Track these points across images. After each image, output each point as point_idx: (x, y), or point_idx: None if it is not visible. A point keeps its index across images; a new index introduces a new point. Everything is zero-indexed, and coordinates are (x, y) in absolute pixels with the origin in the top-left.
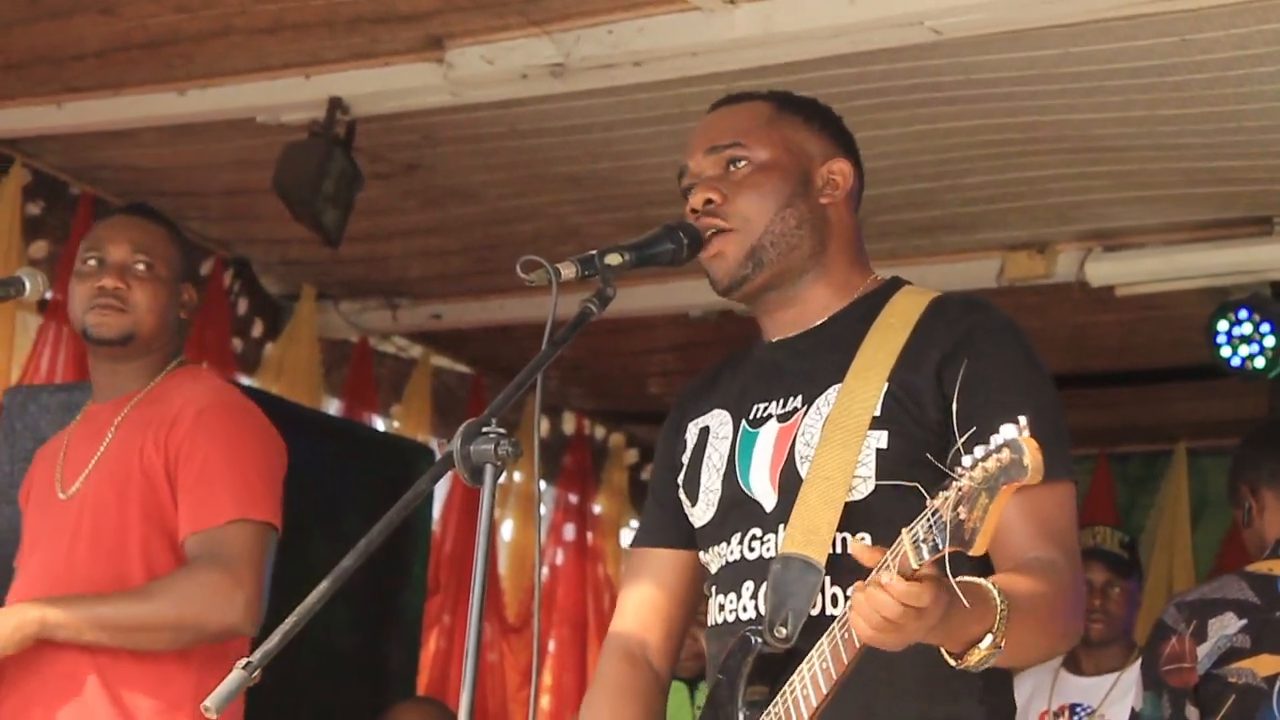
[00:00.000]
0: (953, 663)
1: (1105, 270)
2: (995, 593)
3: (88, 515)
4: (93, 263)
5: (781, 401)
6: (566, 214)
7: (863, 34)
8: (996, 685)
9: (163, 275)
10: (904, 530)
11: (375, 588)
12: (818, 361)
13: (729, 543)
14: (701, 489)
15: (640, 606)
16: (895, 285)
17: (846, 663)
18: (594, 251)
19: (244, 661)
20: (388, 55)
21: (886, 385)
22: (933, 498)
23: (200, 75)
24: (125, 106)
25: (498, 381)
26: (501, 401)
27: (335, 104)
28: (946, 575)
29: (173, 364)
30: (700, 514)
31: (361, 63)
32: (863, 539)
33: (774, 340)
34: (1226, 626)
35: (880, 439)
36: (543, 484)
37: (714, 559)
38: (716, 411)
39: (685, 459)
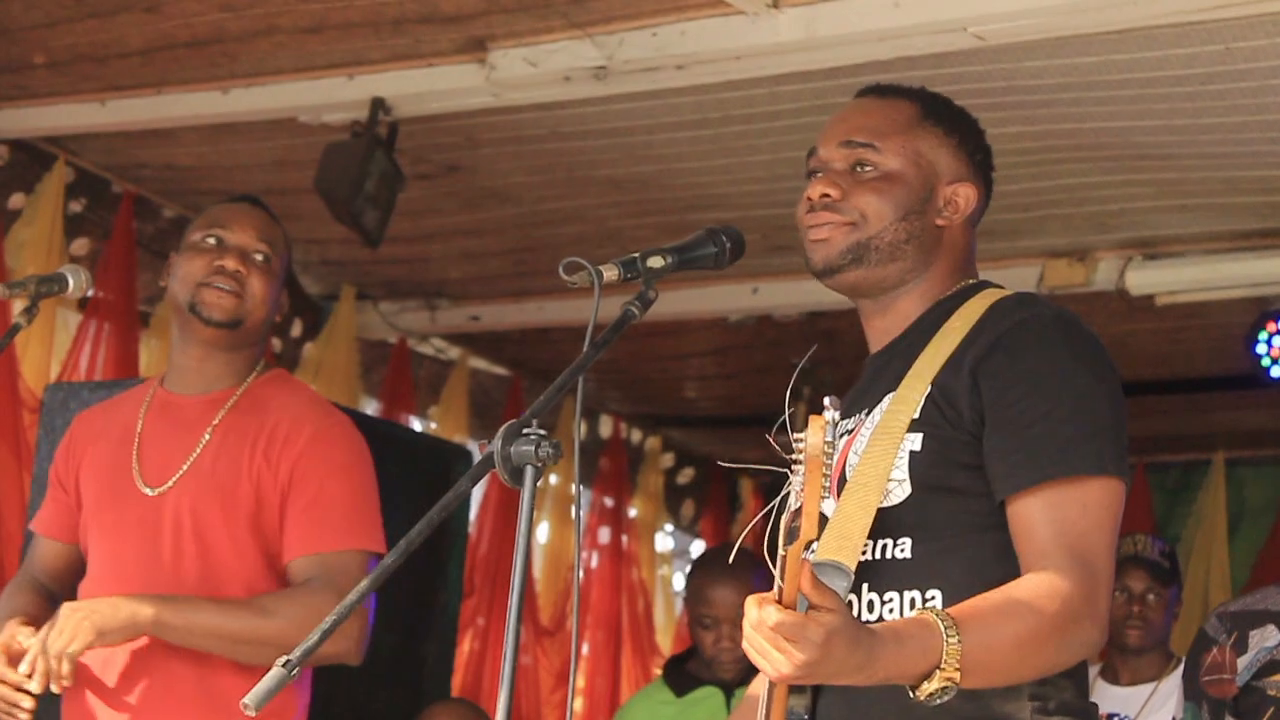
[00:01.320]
0: (910, 694)
1: (1145, 279)
2: (941, 626)
3: (187, 519)
4: (212, 241)
5: (855, 416)
6: (607, 217)
7: (906, 39)
8: (1053, 682)
9: (276, 271)
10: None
11: (412, 589)
12: (885, 371)
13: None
14: None
15: None
16: (978, 288)
17: (769, 690)
18: (636, 254)
19: (283, 660)
20: (431, 56)
21: (929, 389)
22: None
23: (243, 74)
24: (168, 105)
25: (535, 384)
26: (543, 403)
27: (378, 104)
28: (846, 616)
29: (260, 366)
30: None
31: (404, 63)
32: (901, 545)
33: (871, 354)
34: (1267, 639)
35: (915, 442)
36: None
37: None
38: None
39: None
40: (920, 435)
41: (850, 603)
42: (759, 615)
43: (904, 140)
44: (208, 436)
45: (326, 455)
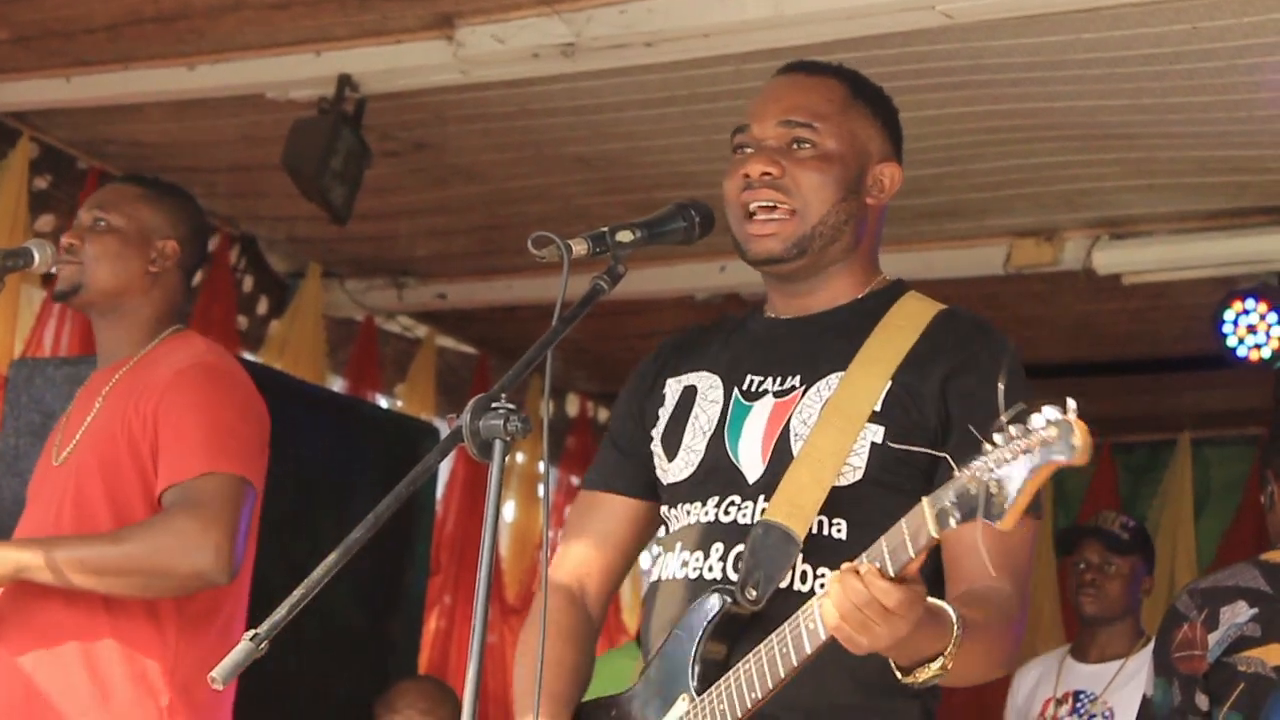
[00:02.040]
0: (900, 677)
1: (1112, 258)
2: (954, 616)
3: (73, 481)
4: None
5: (779, 379)
6: (574, 195)
7: (873, 17)
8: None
9: (117, 226)
10: (924, 499)
11: (379, 566)
12: (821, 346)
13: (704, 504)
14: (683, 447)
15: (585, 550)
16: (902, 288)
17: (810, 652)
18: (605, 229)
19: (251, 633)
20: (398, 33)
21: (890, 383)
22: (959, 471)
23: (210, 50)
24: (134, 81)
25: (502, 362)
26: (511, 377)
27: (345, 81)
28: (922, 584)
29: (168, 330)
30: (676, 470)
31: (372, 40)
32: (838, 525)
33: (778, 317)
34: (1238, 615)
35: (877, 433)
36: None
37: (680, 515)
38: (705, 374)
39: (663, 413)
40: (883, 429)
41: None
42: (870, 593)
43: (840, 120)
44: (100, 402)
45: (187, 389)
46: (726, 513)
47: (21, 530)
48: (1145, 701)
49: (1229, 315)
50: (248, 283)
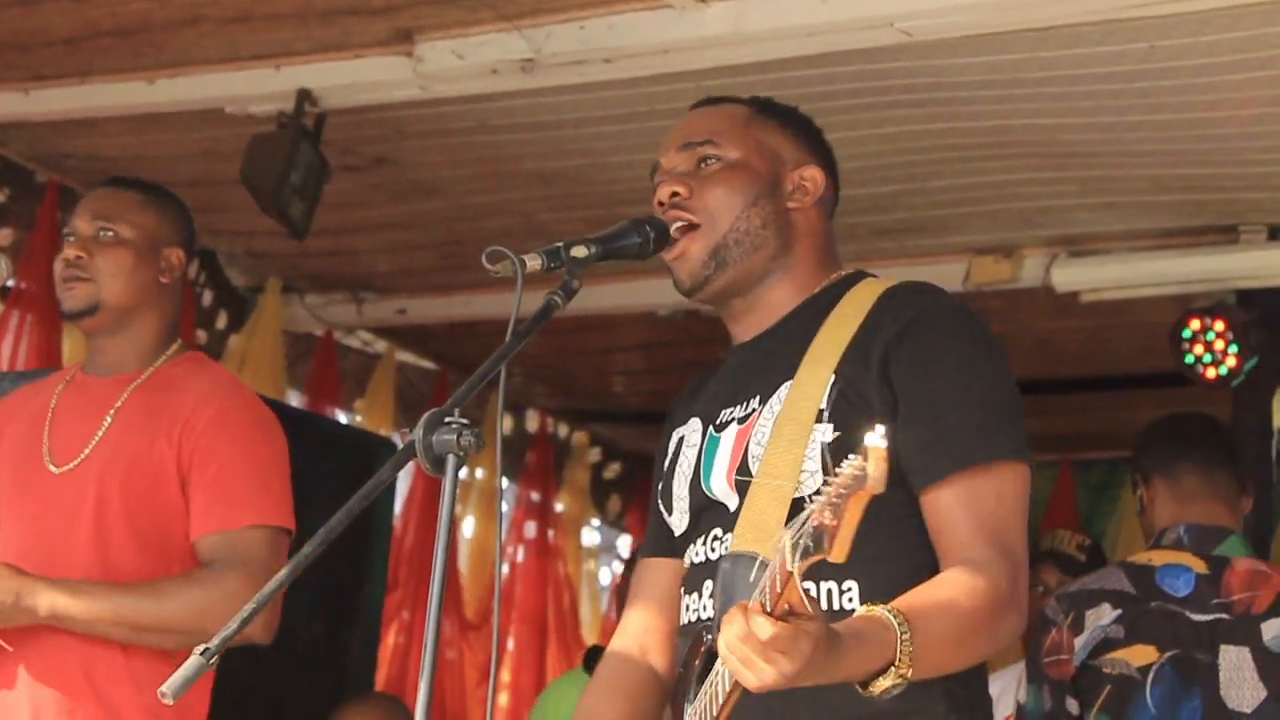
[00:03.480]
0: (861, 692)
1: (1071, 276)
2: (895, 624)
3: (90, 499)
4: (65, 241)
5: (744, 404)
6: (534, 211)
7: (834, 35)
8: (962, 674)
9: (127, 238)
10: (784, 531)
11: (337, 580)
12: (774, 359)
13: (696, 544)
14: (674, 497)
15: (642, 615)
16: (857, 278)
17: (729, 688)
18: (560, 244)
19: (202, 648)
20: (358, 48)
21: (833, 378)
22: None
23: (169, 64)
24: (93, 95)
25: (462, 378)
26: (465, 392)
27: (304, 96)
28: (820, 619)
29: (174, 347)
30: (677, 523)
31: (331, 55)
32: None
33: (739, 344)
34: (1102, 617)
35: (826, 433)
36: (504, 481)
37: (687, 561)
38: (693, 420)
39: (664, 470)
40: (830, 426)
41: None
42: (748, 627)
43: (743, 133)
44: (112, 417)
45: (230, 432)
46: (713, 549)
47: (19, 536)
48: (1018, 708)
49: (1187, 333)
50: (207, 297)
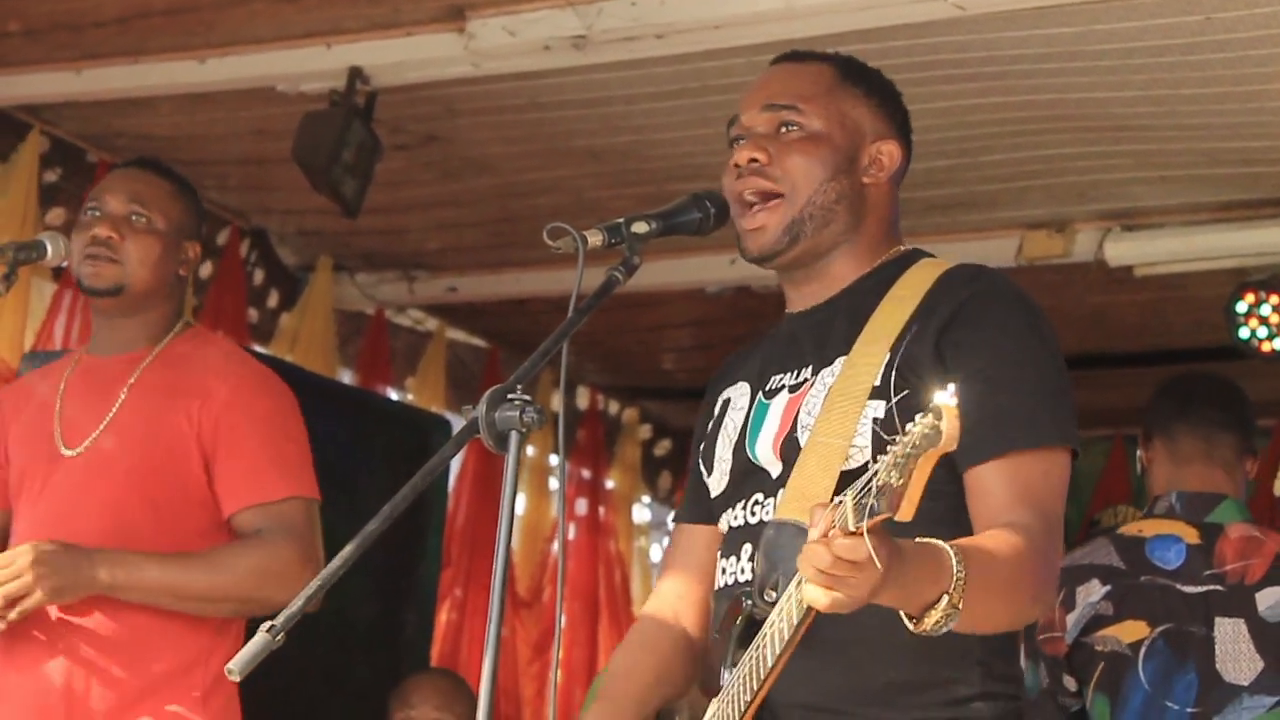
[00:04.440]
0: (910, 626)
1: (1124, 250)
2: (951, 554)
3: (104, 477)
4: (90, 214)
5: (795, 373)
6: (585, 188)
7: (886, 9)
8: (997, 649)
9: (159, 228)
10: (847, 491)
11: (392, 559)
12: (829, 331)
13: (735, 508)
14: (716, 459)
15: (676, 581)
16: (915, 257)
17: (797, 623)
18: (620, 220)
19: (268, 625)
20: (409, 25)
21: (888, 356)
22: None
23: (220, 43)
24: (144, 74)
25: (513, 355)
26: (527, 369)
27: (355, 74)
28: (886, 535)
29: (179, 325)
30: (715, 483)
31: (383, 33)
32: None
33: (795, 312)
34: (1092, 594)
35: (878, 409)
36: (556, 458)
37: (724, 524)
38: (740, 384)
39: (708, 431)
40: (883, 404)
41: None
42: (828, 554)
43: (827, 101)
44: (124, 395)
45: (250, 406)
46: (753, 513)
47: (38, 520)
48: None
49: (1241, 307)
50: (258, 276)
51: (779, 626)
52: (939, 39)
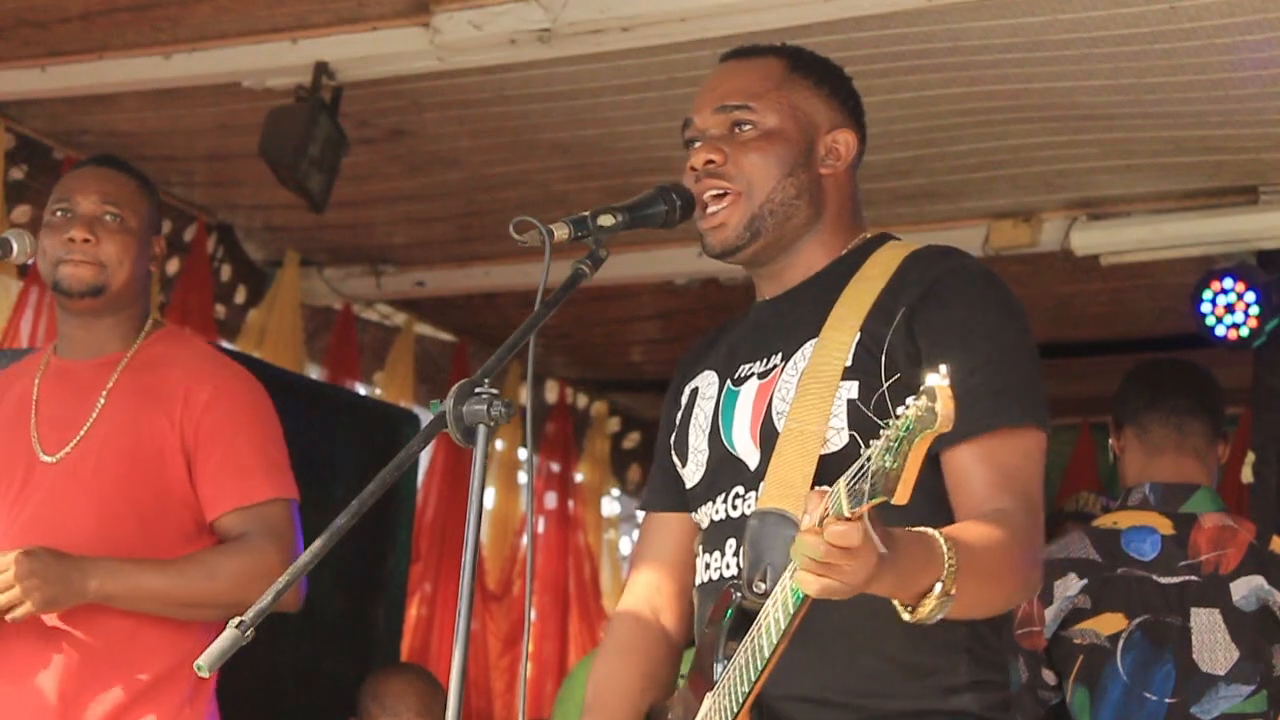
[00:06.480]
0: (905, 615)
1: (1090, 239)
2: (942, 542)
3: (89, 483)
4: (60, 214)
5: (765, 359)
6: (552, 181)
7: (851, 0)
8: (983, 638)
9: (133, 227)
10: (840, 479)
11: (362, 553)
12: (797, 317)
13: (715, 502)
14: (690, 450)
15: (650, 573)
16: (882, 240)
17: (793, 611)
18: (586, 213)
19: (237, 621)
20: (375, 20)
21: (858, 336)
22: (864, 451)
23: (185, 39)
24: (109, 70)
25: (481, 349)
26: (494, 362)
27: (321, 69)
28: (879, 522)
29: (149, 324)
30: (691, 474)
31: (348, 27)
32: None
33: (762, 300)
34: (1069, 588)
35: (851, 389)
36: (525, 452)
37: (703, 518)
38: (706, 373)
39: (677, 420)
40: (856, 383)
41: None
42: (822, 541)
43: (778, 96)
44: (103, 401)
45: (232, 409)
46: (734, 507)
47: (20, 528)
48: None
49: (1207, 295)
50: (225, 271)
51: (774, 616)
52: (904, 30)
